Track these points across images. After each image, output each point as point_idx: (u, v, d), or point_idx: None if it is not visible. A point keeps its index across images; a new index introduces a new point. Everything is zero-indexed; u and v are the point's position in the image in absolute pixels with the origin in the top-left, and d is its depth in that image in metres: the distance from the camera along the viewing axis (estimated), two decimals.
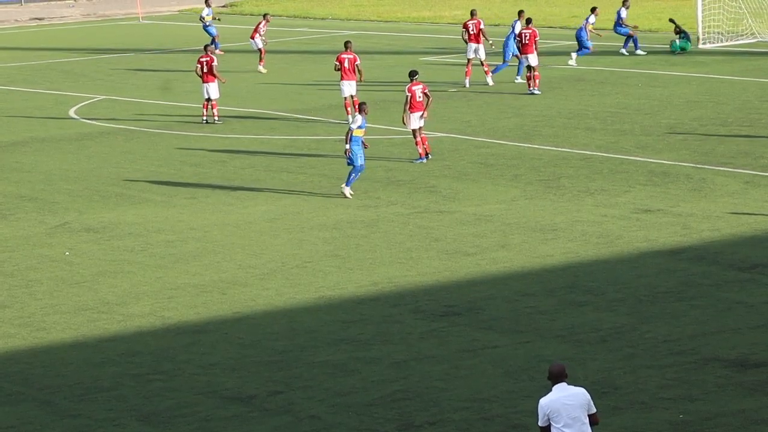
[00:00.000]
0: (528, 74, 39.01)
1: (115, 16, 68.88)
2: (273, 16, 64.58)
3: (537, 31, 39.45)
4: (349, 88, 35.62)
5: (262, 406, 17.12)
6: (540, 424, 13.15)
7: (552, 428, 13.11)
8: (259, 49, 46.10)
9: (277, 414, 16.87)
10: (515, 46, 39.94)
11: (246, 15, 66.20)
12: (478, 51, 40.18)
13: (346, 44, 36.42)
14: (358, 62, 35.73)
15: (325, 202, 27.54)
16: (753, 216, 24.70)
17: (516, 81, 40.57)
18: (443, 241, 24.19)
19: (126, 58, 51.89)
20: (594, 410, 13.26)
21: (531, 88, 38.73)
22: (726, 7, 47.40)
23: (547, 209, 26.03)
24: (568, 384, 13.25)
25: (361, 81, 35.77)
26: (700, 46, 46.37)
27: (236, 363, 18.69)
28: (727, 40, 46.34)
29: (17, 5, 74.77)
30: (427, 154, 30.70)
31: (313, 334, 19.71)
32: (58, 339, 20.09)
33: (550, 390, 13.20)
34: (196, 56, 37.81)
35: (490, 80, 40.30)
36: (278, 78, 44.83)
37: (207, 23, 50.53)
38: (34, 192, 29.90)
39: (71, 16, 69.84)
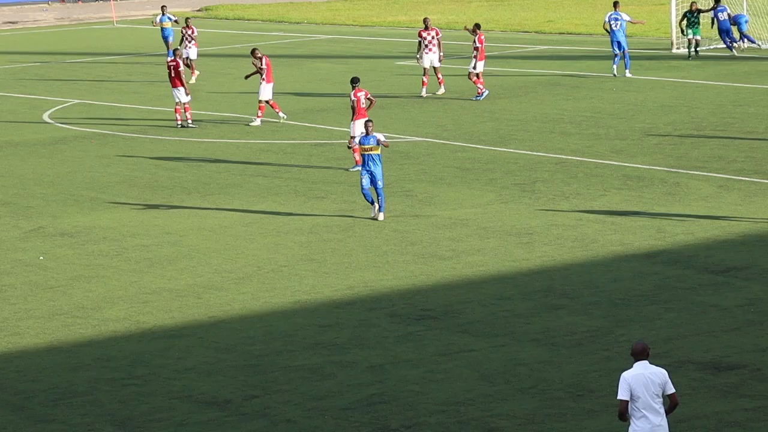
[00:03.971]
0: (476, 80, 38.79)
1: (90, 20, 68.71)
2: (248, 20, 64.68)
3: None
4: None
5: (238, 411, 17.11)
6: (621, 396, 13.49)
7: (629, 403, 13.47)
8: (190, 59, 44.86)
9: (253, 418, 16.86)
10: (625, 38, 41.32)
11: (221, 19, 66.14)
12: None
13: (256, 50, 36.54)
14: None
15: (301, 207, 27.54)
16: (726, 219, 24.82)
17: (627, 75, 41.18)
18: (419, 245, 24.22)
19: (100, 62, 51.76)
20: (673, 390, 13.61)
21: (479, 95, 38.58)
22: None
23: (523, 213, 26.10)
24: (650, 363, 13.58)
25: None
26: (674, 51, 46.57)
27: (212, 367, 18.67)
28: (700, 45, 46.53)
29: None
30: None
31: (289, 339, 19.71)
32: (32, 344, 20.02)
33: (632, 366, 13.56)
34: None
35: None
36: (254, 82, 44.79)
37: (165, 28, 49.21)
38: (7, 196, 29.80)
39: (45, 19, 69.63)
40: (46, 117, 39.73)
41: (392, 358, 18.64)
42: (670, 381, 13.62)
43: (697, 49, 44.96)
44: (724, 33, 44.92)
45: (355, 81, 30.67)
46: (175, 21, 49.25)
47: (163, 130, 36.74)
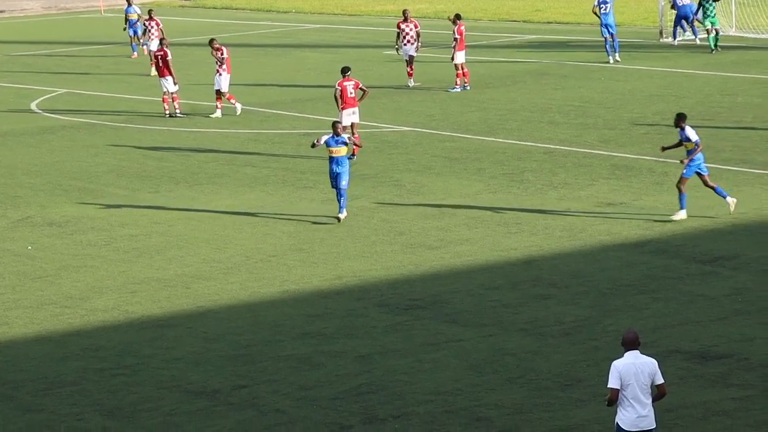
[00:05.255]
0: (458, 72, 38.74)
1: (77, 9, 68.53)
2: (236, 9, 64.56)
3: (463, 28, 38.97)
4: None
5: (227, 401, 17.13)
6: (612, 385, 13.52)
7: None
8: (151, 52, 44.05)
9: (242, 408, 16.88)
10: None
11: (209, 8, 66.01)
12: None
13: (214, 41, 36.45)
14: None
15: (290, 196, 27.54)
16: (714, 209, 24.88)
17: (616, 59, 42.05)
18: (407, 235, 24.24)
19: (88, 52, 51.63)
20: (661, 381, 13.65)
21: (464, 86, 38.51)
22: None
23: (511, 203, 26.13)
24: (641, 353, 13.61)
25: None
26: (662, 40, 46.59)
27: (200, 357, 18.68)
28: (688, 35, 46.57)
29: None
30: (353, 154, 30.20)
31: (278, 328, 19.73)
32: (20, 333, 20.01)
33: (622, 356, 13.58)
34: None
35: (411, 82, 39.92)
36: (241, 72, 44.74)
37: (133, 21, 48.09)
38: None
39: (32, 8, 69.44)
40: (33, 106, 39.65)
41: (380, 348, 18.67)
42: (659, 371, 13.66)
43: (718, 37, 43.72)
44: (681, 19, 45.08)
45: (344, 70, 30.61)
46: (138, 15, 48.39)
47: (151, 119, 36.69)
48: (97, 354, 18.98)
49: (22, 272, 23.07)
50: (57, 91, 42.29)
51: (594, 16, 43.68)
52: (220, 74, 36.03)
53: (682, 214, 24.12)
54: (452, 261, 22.56)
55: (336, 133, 25.05)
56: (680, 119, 24.46)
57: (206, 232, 25.11)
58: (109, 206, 27.30)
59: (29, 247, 24.57)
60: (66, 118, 37.52)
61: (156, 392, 17.47)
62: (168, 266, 23.00)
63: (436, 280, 21.58)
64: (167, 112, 36.76)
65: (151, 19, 45.13)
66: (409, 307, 20.38)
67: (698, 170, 24.20)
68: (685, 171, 24.20)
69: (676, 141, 24.79)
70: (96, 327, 20.13)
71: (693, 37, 45.47)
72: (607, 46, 42.28)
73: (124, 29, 48.95)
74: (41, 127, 36.41)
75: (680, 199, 24.19)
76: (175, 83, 36.58)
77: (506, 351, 18.34)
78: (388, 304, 20.57)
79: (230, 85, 36.47)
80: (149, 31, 44.91)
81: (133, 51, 48.46)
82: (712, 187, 24.27)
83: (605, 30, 42.29)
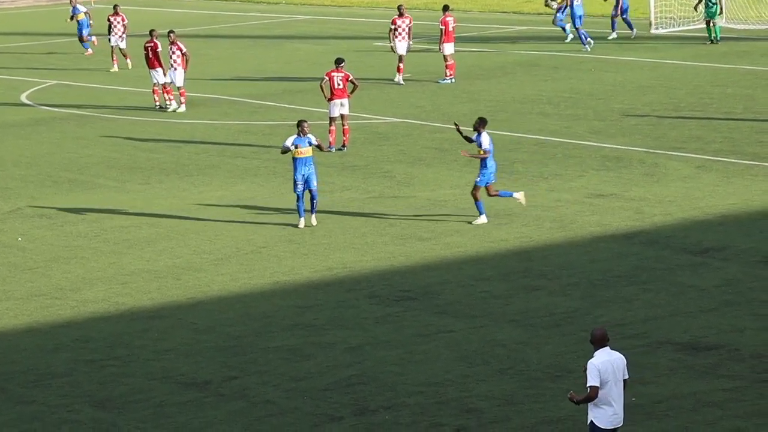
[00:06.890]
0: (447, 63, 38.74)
1: (67, 1, 68.36)
2: (227, 1, 64.44)
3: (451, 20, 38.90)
4: None
5: (217, 392, 17.13)
6: (594, 383, 13.47)
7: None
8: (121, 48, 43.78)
9: (232, 399, 16.89)
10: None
11: (200, 0, 65.93)
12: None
13: (172, 33, 36.14)
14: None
15: (280, 188, 27.53)
16: (704, 200, 24.92)
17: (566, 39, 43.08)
18: (398, 226, 24.25)
19: (78, 43, 51.49)
20: (627, 377, 13.68)
21: (447, 78, 38.48)
22: None
23: None
24: (611, 348, 13.61)
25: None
26: (652, 31, 46.62)
27: (191, 348, 18.68)
28: (678, 26, 46.64)
29: None
30: (343, 145, 30.19)
31: (268, 320, 19.73)
32: (10, 325, 20.00)
33: (593, 354, 13.58)
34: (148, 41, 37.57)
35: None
36: (231, 63, 44.72)
37: (80, 20, 47.29)
38: None
39: (23, 0, 69.29)
40: (23, 98, 39.58)
41: (371, 339, 18.69)
42: (626, 367, 13.66)
43: (718, 30, 43.37)
44: (625, 12, 45.29)
45: (337, 61, 30.59)
46: (86, 12, 47.74)
47: (141, 111, 36.64)
48: (88, 345, 18.97)
49: (12, 264, 23.05)
50: (47, 82, 42.22)
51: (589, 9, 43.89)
52: (175, 69, 35.77)
53: (482, 219, 24.01)
54: (443, 252, 22.57)
55: (303, 132, 24.26)
56: (480, 124, 24.15)
57: (196, 223, 25.10)
58: (99, 198, 27.27)
59: (19, 239, 24.54)
60: (56, 109, 37.46)
61: (146, 383, 17.47)
62: (158, 258, 22.99)
63: (427, 272, 21.59)
64: (157, 103, 36.71)
65: (116, 14, 44.53)
66: (399, 298, 20.39)
67: (487, 180, 23.97)
68: (478, 180, 24.06)
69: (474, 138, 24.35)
70: (86, 318, 20.12)
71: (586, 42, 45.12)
72: (581, 35, 42.62)
73: (72, 18, 48.05)
74: (31, 118, 36.35)
75: (477, 206, 24.07)
76: (164, 75, 36.49)
77: (497, 342, 18.36)
78: (379, 295, 20.58)
79: (185, 79, 36.12)
80: (114, 26, 44.19)
81: (86, 48, 47.52)
82: (494, 195, 24.12)
83: (577, 21, 42.74)
